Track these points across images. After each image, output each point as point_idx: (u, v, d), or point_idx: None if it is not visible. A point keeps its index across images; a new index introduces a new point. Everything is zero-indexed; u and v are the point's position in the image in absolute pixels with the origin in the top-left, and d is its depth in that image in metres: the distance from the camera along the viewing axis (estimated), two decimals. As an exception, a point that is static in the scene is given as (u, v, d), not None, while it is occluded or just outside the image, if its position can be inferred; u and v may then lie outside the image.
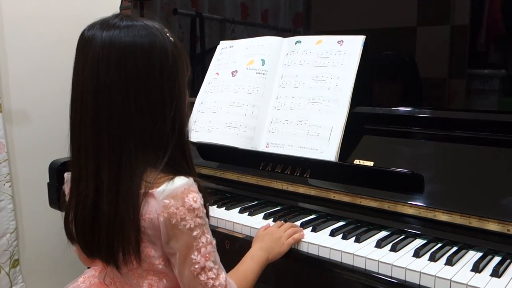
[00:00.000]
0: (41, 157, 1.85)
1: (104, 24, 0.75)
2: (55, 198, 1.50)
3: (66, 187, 0.87)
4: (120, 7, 1.95)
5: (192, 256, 0.74)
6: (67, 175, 0.87)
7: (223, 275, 0.78)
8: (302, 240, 0.97)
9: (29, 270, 1.94)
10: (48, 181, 1.54)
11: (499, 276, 0.80)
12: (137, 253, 0.75)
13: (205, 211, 0.76)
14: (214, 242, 0.78)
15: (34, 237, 1.95)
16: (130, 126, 0.74)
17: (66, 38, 1.98)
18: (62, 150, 1.77)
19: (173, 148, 0.77)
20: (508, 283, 0.78)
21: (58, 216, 1.84)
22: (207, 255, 0.75)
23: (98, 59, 0.73)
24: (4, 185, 1.80)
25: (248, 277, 0.87)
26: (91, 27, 0.76)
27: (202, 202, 0.75)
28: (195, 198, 0.74)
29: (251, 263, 0.89)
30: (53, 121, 1.96)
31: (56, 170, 1.48)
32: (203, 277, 0.75)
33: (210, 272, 0.75)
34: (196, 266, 0.74)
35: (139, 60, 0.74)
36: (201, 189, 0.77)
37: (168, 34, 0.78)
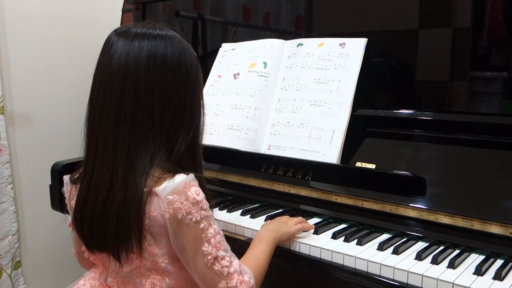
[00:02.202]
0: (43, 159, 1.86)
1: (135, 31, 0.78)
2: (57, 200, 1.50)
3: (66, 190, 0.88)
4: (122, 10, 1.95)
5: (203, 248, 0.75)
6: (66, 178, 0.88)
7: (236, 261, 0.79)
8: (304, 242, 0.97)
9: (30, 272, 1.95)
10: (50, 183, 1.54)
11: (501, 279, 0.80)
12: (139, 250, 0.76)
13: (208, 203, 0.78)
14: (221, 231, 0.79)
15: (36, 239, 1.96)
16: (151, 121, 0.76)
17: (68, 41, 1.99)
18: (64, 152, 1.79)
19: (185, 150, 0.79)
20: (511, 286, 0.78)
21: (60, 218, 1.85)
22: (217, 245, 0.76)
23: (127, 56, 0.75)
24: (6, 187, 1.81)
25: (260, 259, 0.88)
26: (120, 32, 0.79)
27: (204, 195, 0.77)
28: (197, 191, 0.75)
29: (259, 245, 0.91)
30: (55, 123, 1.97)
31: (58, 172, 1.48)
32: (217, 267, 0.76)
33: (223, 260, 0.77)
34: (209, 257, 0.75)
35: (168, 68, 0.77)
36: (203, 185, 0.79)
37: (192, 50, 0.82)
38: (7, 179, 1.80)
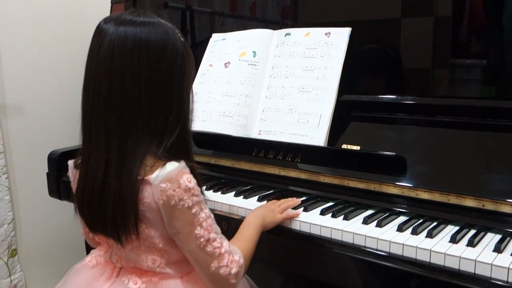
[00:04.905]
0: (36, 149, 1.90)
1: (121, 18, 0.81)
2: (55, 187, 1.54)
3: (71, 173, 0.93)
4: (112, 1, 1.97)
5: (196, 231, 0.80)
6: (70, 162, 0.92)
7: (226, 242, 0.84)
8: (295, 219, 1.04)
9: (27, 259, 1.98)
10: (46, 171, 1.58)
11: (474, 246, 0.88)
12: (136, 233, 0.81)
13: (199, 189, 0.82)
14: (212, 215, 0.84)
15: (31, 227, 1.99)
16: (139, 112, 0.79)
17: (59, 33, 2.01)
18: (56, 142, 1.82)
19: (176, 137, 0.83)
20: (482, 251, 0.86)
21: (54, 206, 1.89)
22: (208, 228, 0.81)
23: (113, 46, 0.79)
24: (0, 177, 1.84)
25: (248, 241, 0.93)
26: (108, 20, 0.82)
27: (195, 182, 0.81)
28: (189, 178, 0.79)
29: (248, 229, 0.96)
30: (47, 114, 2.00)
31: (55, 160, 1.52)
32: (209, 248, 0.81)
33: (215, 242, 0.82)
34: (201, 240, 0.80)
35: (152, 53, 0.80)
36: (194, 172, 0.83)
37: (179, 35, 0.85)
38: (1, 169, 1.83)
